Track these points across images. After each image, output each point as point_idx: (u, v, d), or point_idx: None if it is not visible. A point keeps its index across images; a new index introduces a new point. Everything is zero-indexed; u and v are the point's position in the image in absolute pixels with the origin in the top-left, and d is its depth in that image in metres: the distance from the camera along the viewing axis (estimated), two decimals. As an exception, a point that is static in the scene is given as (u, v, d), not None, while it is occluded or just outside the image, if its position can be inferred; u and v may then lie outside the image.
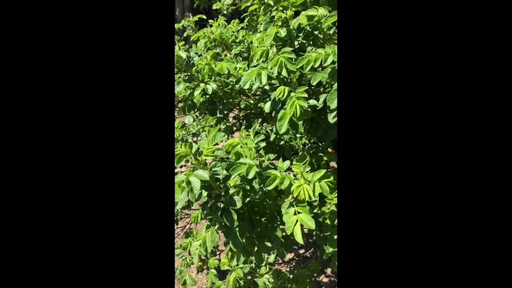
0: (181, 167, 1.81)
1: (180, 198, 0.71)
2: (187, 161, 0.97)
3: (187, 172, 0.77)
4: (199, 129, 1.76)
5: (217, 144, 0.87)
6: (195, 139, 1.62)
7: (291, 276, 1.16)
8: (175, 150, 0.82)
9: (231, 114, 1.89)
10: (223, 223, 0.85)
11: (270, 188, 0.81)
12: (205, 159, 0.81)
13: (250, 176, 0.82)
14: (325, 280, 1.82)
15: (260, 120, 1.93)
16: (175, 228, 1.64)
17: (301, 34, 1.01)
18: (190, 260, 1.33)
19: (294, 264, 1.89)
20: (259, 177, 0.87)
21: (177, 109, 2.14)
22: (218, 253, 1.47)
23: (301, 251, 2.12)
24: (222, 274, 1.89)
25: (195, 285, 1.34)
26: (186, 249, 1.37)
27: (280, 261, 2.00)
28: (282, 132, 0.88)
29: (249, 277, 1.13)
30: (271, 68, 0.91)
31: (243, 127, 1.02)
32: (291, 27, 0.97)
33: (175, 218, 1.53)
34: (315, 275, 1.84)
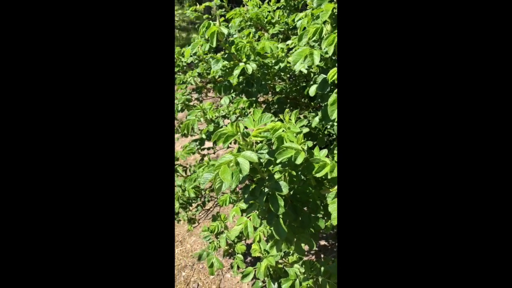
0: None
1: (229, 179, 0.67)
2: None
3: (234, 153, 0.73)
4: (229, 111, 1.71)
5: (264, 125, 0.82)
6: (226, 121, 1.58)
7: (322, 268, 1.13)
8: (221, 129, 0.78)
9: (260, 99, 1.83)
10: (265, 209, 0.81)
11: (319, 175, 0.76)
12: (254, 140, 0.77)
13: (298, 161, 0.77)
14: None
15: (288, 105, 1.87)
16: (202, 210, 1.63)
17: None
18: (218, 244, 1.32)
19: (322, 256, 1.86)
20: (306, 163, 0.81)
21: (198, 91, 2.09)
22: (244, 238, 1.45)
23: (322, 242, 2.09)
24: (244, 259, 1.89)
25: (221, 268, 1.33)
26: (214, 232, 1.36)
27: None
28: (334, 117, 0.82)
29: (280, 266, 1.10)
30: (325, 48, 0.84)
31: (286, 110, 0.96)
32: (349, 4, 0.89)
33: (203, 200, 1.51)
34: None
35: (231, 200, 1.32)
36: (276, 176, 0.80)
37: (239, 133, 0.75)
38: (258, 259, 1.49)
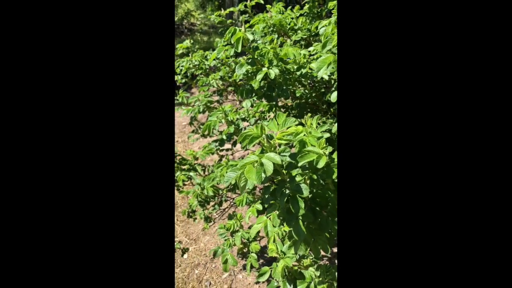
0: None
1: (253, 178, 0.70)
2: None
3: (258, 154, 0.76)
4: (249, 114, 1.75)
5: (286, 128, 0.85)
6: (245, 124, 1.62)
7: (337, 273, 1.13)
8: (246, 131, 0.81)
9: (279, 103, 1.85)
10: (285, 210, 0.83)
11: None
12: (277, 143, 0.80)
13: (320, 165, 0.79)
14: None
15: (307, 110, 1.89)
16: (218, 209, 1.67)
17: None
18: (233, 241, 1.35)
19: (336, 262, 1.85)
20: (327, 168, 0.83)
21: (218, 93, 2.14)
22: (258, 238, 1.48)
23: (336, 250, 2.08)
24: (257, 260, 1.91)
25: (235, 265, 1.36)
26: (229, 230, 1.39)
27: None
28: (356, 123, 0.84)
29: (296, 268, 1.11)
30: (350, 55, 0.86)
31: (309, 115, 0.98)
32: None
33: (220, 200, 1.55)
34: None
35: (247, 201, 1.35)
36: (297, 178, 0.82)
37: (263, 136, 0.78)
38: (271, 260, 1.51)
